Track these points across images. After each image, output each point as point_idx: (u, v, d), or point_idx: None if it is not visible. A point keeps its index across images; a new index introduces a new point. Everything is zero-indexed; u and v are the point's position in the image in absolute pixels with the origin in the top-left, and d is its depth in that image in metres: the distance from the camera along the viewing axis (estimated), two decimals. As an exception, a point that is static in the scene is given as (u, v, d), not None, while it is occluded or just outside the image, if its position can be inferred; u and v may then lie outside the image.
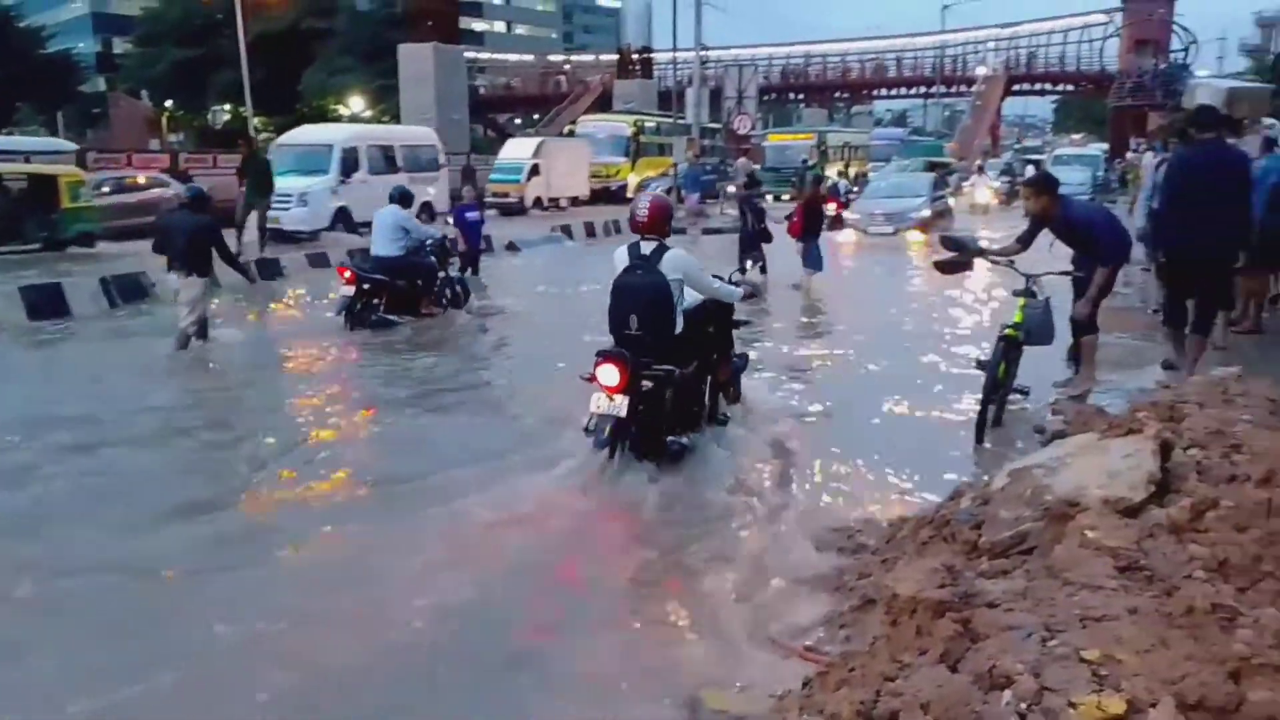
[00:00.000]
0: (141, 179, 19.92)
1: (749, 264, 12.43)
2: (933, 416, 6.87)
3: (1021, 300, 6.33)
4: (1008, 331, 6.26)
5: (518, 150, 29.81)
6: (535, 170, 28.29)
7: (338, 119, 48.55)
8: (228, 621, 3.85)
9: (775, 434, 6.35)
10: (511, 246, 18.98)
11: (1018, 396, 6.58)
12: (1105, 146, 42.87)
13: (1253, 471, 2.59)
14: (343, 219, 18.58)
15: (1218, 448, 3.30)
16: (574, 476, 5.25)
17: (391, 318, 10.06)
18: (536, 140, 30.80)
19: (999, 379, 6.25)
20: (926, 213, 19.46)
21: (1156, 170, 8.94)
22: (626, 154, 34.44)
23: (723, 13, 44.89)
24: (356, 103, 49.39)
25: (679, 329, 5.54)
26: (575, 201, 30.22)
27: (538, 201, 28.12)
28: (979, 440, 6.04)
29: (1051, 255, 6.96)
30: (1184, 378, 6.36)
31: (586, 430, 5.36)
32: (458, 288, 11.06)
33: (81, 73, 58.34)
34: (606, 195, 31.89)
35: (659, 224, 5.61)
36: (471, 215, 13.27)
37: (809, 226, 13.11)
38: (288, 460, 5.99)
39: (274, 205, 16.32)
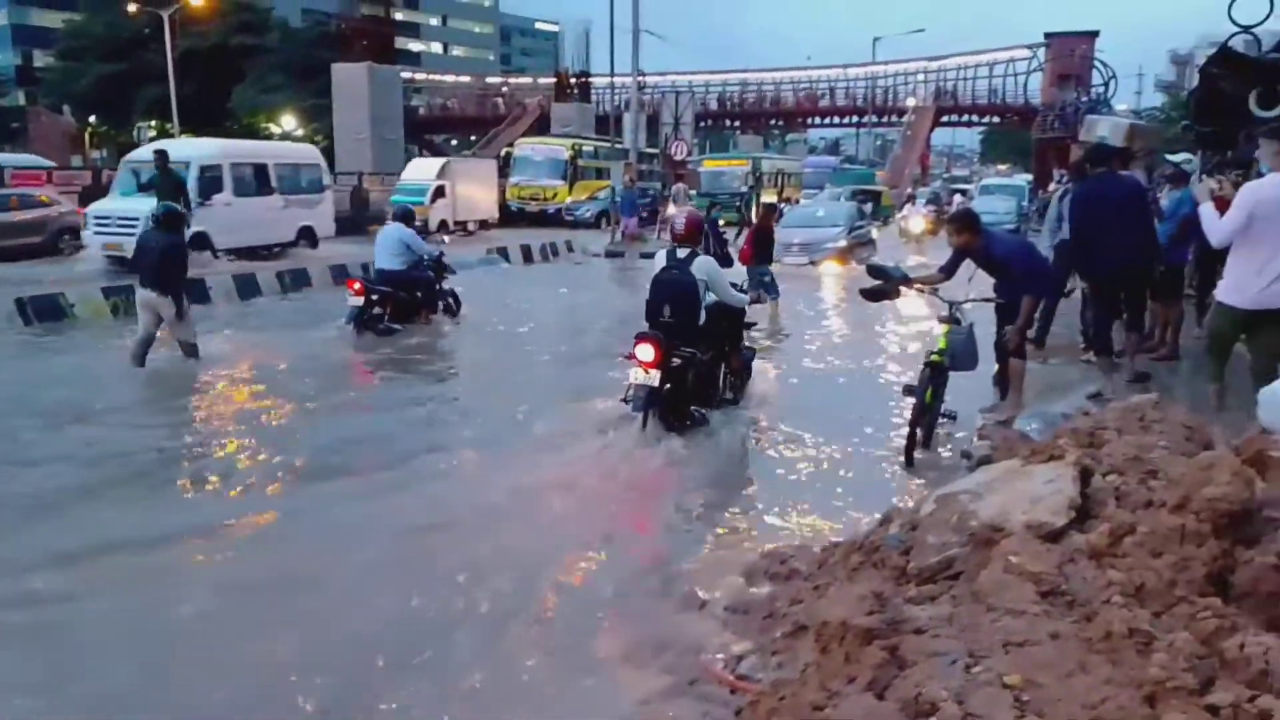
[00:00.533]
0: (15, 199, 18.74)
1: None
2: (863, 441, 6.95)
3: (945, 327, 6.47)
4: (933, 357, 6.40)
5: (421, 171, 28.32)
6: (440, 192, 26.72)
7: (269, 137, 47.74)
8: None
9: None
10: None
11: (945, 421, 6.71)
12: (1030, 177, 44.24)
13: (1167, 497, 2.67)
14: (200, 246, 15.93)
15: (1135, 473, 3.40)
16: (621, 436, 6.55)
17: (395, 325, 11.13)
18: (441, 160, 29.36)
19: (926, 404, 6.37)
20: (843, 243, 19.01)
21: (1060, 202, 9.50)
22: (564, 177, 34.11)
23: (661, 40, 45.38)
24: (289, 121, 48.73)
25: (702, 321, 6.85)
26: (485, 225, 29.08)
27: (443, 225, 26.10)
28: (908, 464, 6.15)
29: (971, 285, 7.14)
30: (1123, 377, 7.31)
31: (624, 399, 6.59)
32: (450, 299, 12.16)
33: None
34: (542, 219, 31.47)
35: (693, 235, 7.05)
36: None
37: (759, 253, 13.15)
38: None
39: (107, 229, 15.43)
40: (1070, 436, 3.90)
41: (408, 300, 11.37)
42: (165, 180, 14.92)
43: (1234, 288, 5.62)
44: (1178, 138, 19.85)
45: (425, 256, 11.56)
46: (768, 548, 4.78)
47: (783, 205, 28.34)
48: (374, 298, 11.02)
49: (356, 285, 11.17)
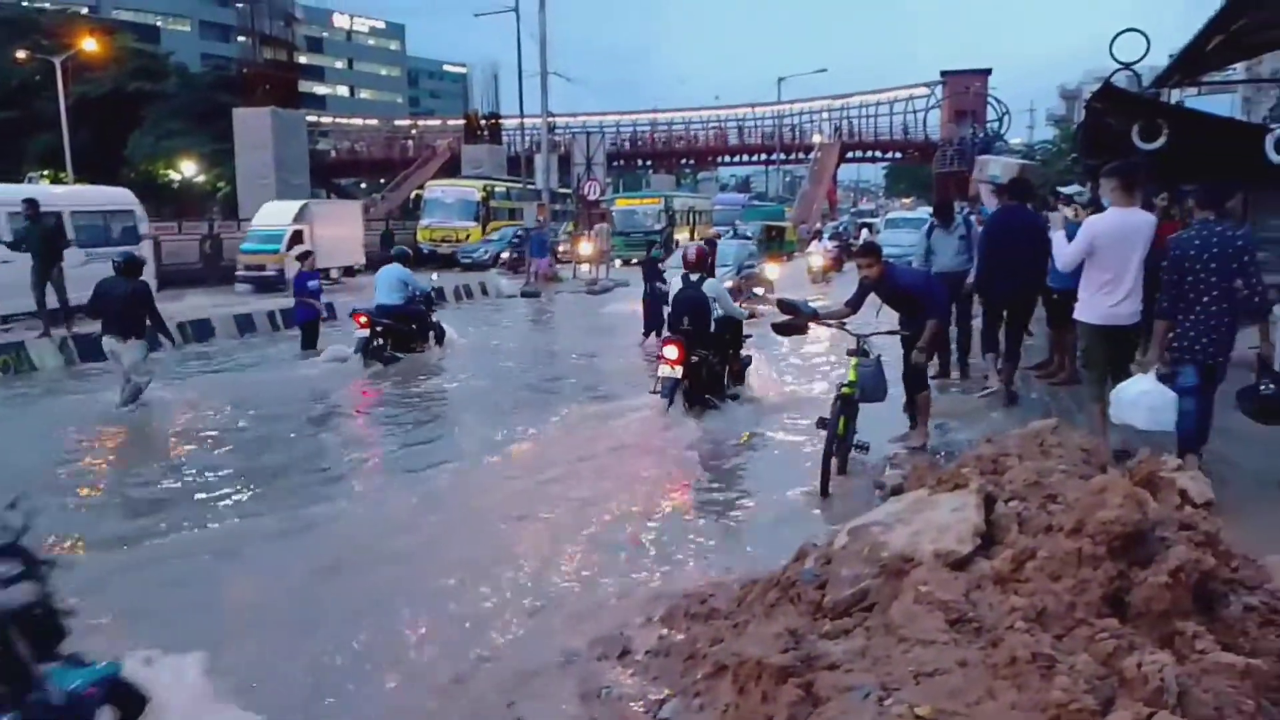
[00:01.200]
0: None
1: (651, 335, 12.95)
2: (778, 475, 7.01)
3: (854, 360, 6.61)
4: (844, 390, 6.52)
5: (274, 215, 25.40)
6: (298, 237, 23.56)
7: (168, 184, 46.49)
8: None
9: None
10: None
11: (859, 452, 6.80)
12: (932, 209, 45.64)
13: (1065, 521, 2.75)
14: None
15: (1036, 498, 3.50)
16: (654, 417, 8.54)
17: (398, 354, 12.36)
18: (298, 203, 26.73)
19: (839, 435, 6.48)
20: (729, 283, 18.63)
21: (929, 236, 10.25)
22: (476, 218, 34.12)
23: (569, 81, 45.78)
24: (189, 167, 47.55)
25: (713, 330, 8.72)
26: (349, 271, 26.43)
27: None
28: (824, 495, 6.21)
29: (879, 319, 7.33)
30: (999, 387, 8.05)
31: (654, 391, 8.63)
32: (438, 330, 13.38)
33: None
34: (451, 261, 30.76)
35: (701, 263, 9.20)
36: (312, 283, 13.02)
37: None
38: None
39: None
40: (974, 464, 4.01)
41: (406, 331, 12.61)
42: (37, 230, 13.64)
43: (1087, 306, 6.25)
44: (1069, 169, 20.83)
45: (418, 293, 12.82)
46: (688, 587, 4.76)
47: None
48: (378, 329, 12.13)
49: (362, 319, 12.16)
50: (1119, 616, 2.48)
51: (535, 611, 4.76)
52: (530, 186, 36.44)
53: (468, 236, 32.91)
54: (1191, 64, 9.29)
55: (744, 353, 9.49)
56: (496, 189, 37.13)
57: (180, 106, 48.15)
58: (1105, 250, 6.04)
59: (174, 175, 47.37)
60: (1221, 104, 15.56)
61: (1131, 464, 3.57)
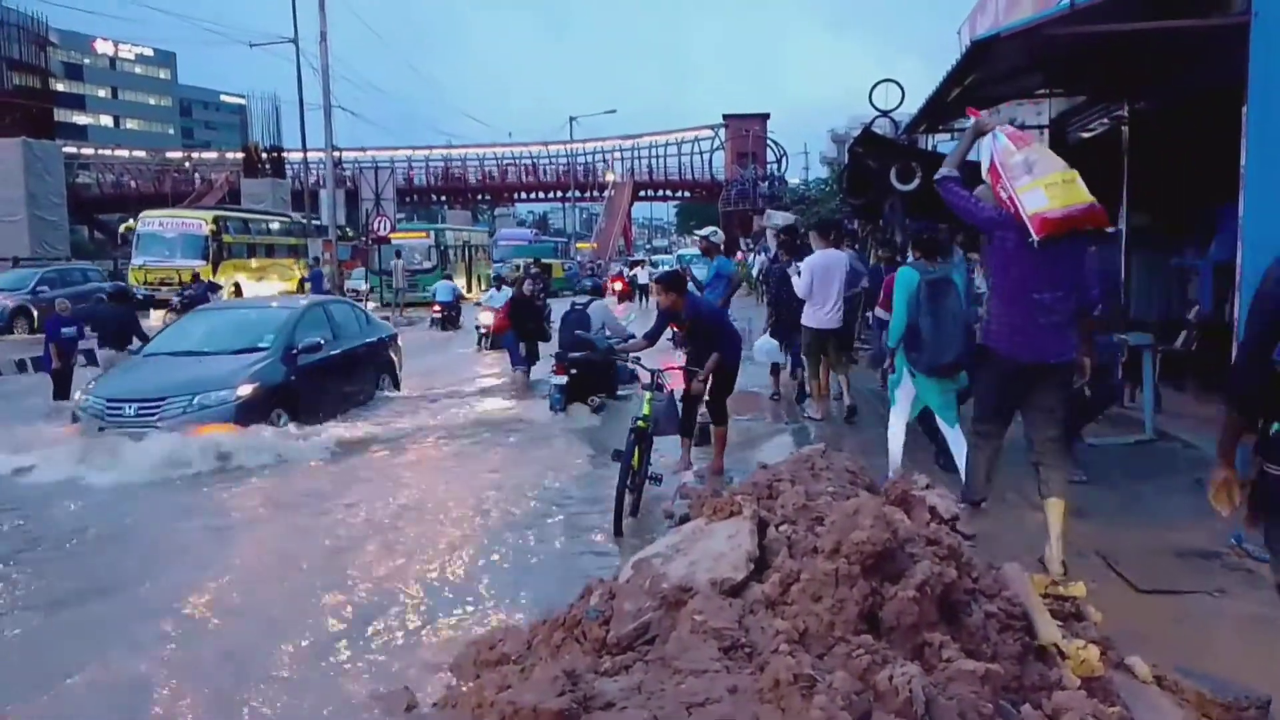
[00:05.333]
0: None
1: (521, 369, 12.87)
2: (576, 511, 7.01)
3: (648, 395, 6.74)
4: (638, 423, 6.61)
5: None
6: None
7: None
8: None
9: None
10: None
11: (652, 483, 6.89)
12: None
13: (826, 543, 2.87)
14: None
15: (805, 522, 3.65)
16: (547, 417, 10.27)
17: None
18: None
19: (634, 468, 6.55)
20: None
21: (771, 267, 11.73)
22: (204, 255, 29.12)
23: (355, 116, 44.52)
24: (-76, 201, 42.60)
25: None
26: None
27: None
28: (618, 532, 6.24)
29: (675, 356, 7.54)
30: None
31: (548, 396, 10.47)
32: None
33: None
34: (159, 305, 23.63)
35: (598, 291, 12.23)
36: (67, 330, 11.91)
37: (516, 323, 12.92)
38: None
39: None
40: (750, 490, 4.14)
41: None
42: None
43: (811, 317, 9.05)
44: (838, 209, 22.28)
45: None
46: (476, 633, 4.64)
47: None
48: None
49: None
50: (874, 632, 2.61)
51: (317, 663, 4.50)
52: (302, 220, 34.97)
53: (193, 278, 26.10)
54: (936, 113, 10.15)
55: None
56: (231, 221, 32.08)
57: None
58: (820, 281, 8.88)
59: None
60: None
61: (888, 484, 3.80)
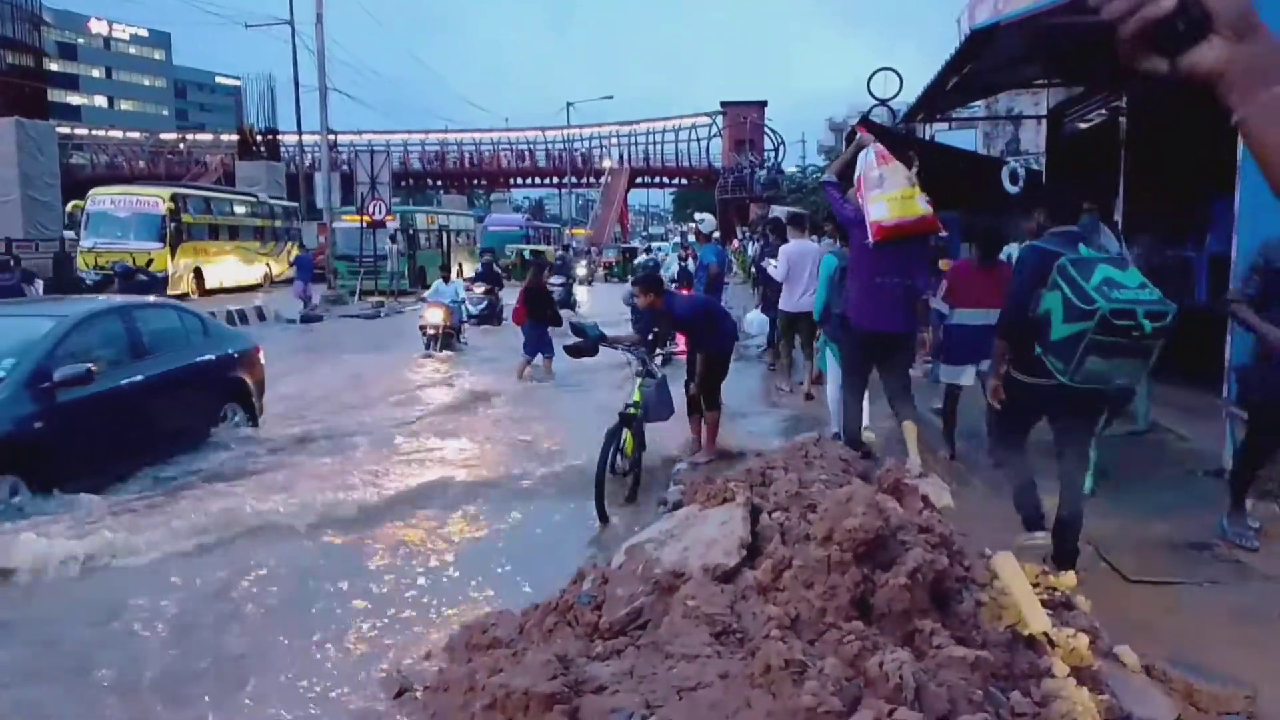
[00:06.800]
0: None
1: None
2: (563, 497, 7.01)
3: (640, 380, 6.74)
4: (630, 410, 6.61)
5: None
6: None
7: (-110, 199, 41.20)
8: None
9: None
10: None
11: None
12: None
13: (819, 530, 2.88)
14: None
15: (797, 509, 3.66)
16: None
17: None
18: None
19: (627, 454, 6.57)
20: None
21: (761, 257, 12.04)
22: (160, 238, 26.33)
23: (351, 99, 44.30)
24: (-85, 180, 42.38)
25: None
26: None
27: None
28: (601, 518, 6.23)
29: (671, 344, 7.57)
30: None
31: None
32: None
33: None
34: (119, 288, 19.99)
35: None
36: None
37: (533, 313, 12.80)
38: None
39: None
40: (743, 477, 4.16)
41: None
42: None
43: (784, 302, 9.97)
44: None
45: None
46: (469, 618, 4.65)
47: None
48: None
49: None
50: (865, 619, 2.62)
51: (314, 645, 4.51)
52: (271, 202, 33.79)
53: (149, 262, 24.37)
54: (934, 102, 10.13)
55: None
56: (191, 200, 29.11)
57: (-98, 113, 42.91)
58: (795, 267, 9.71)
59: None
60: (968, 138, 17.08)
61: (880, 472, 3.82)
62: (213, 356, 8.47)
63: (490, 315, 18.65)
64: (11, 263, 18.11)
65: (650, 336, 7.52)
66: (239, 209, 32.25)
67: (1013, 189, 9.44)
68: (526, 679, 2.56)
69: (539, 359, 12.61)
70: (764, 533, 3.49)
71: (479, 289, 18.85)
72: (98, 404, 6.79)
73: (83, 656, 4.39)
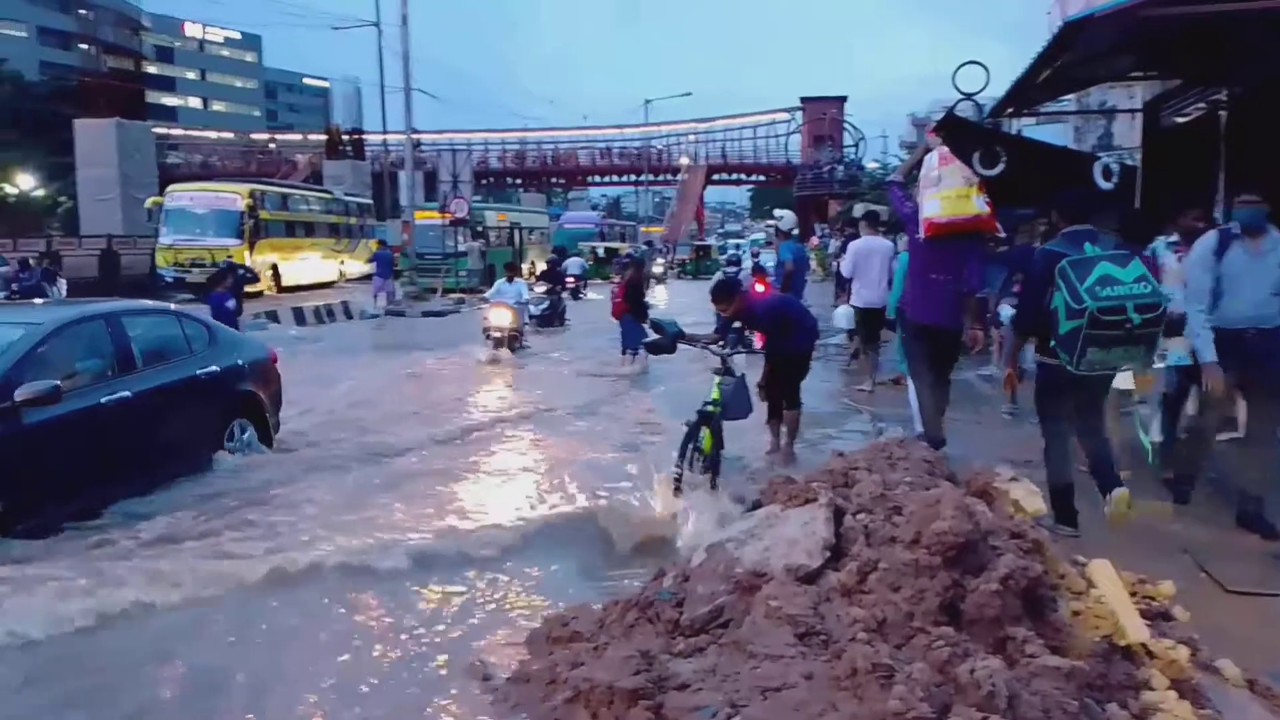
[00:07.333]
0: None
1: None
2: (643, 489, 7.01)
3: (718, 378, 6.72)
4: (708, 408, 6.59)
5: None
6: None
7: (2, 199, 43.50)
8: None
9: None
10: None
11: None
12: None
13: (905, 533, 2.84)
14: None
15: (882, 511, 3.61)
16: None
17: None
18: None
19: (705, 452, 6.55)
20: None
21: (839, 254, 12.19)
22: (238, 234, 25.97)
23: (434, 98, 45.04)
24: (26, 180, 44.64)
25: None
26: None
27: None
28: (680, 517, 6.21)
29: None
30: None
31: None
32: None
33: None
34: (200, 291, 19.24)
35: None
36: (230, 304, 12.20)
37: (634, 308, 12.86)
38: None
39: None
40: (825, 478, 4.11)
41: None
42: None
43: (857, 297, 10.25)
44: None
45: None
46: (549, 612, 4.70)
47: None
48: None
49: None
50: (954, 624, 2.57)
51: (398, 632, 4.61)
52: (350, 196, 34.08)
53: (227, 259, 22.42)
54: (1024, 96, 9.87)
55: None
56: (269, 196, 28.79)
57: (14, 117, 45.26)
58: (864, 263, 10.00)
59: (9, 189, 44.35)
60: (1057, 133, 16.66)
61: (969, 474, 3.74)
62: (217, 368, 7.47)
63: (551, 316, 18.06)
64: (31, 261, 18.10)
65: (730, 334, 7.50)
66: (314, 205, 32.11)
67: (1106, 185, 9.15)
68: (610, 673, 2.58)
69: (640, 353, 12.25)
70: (847, 534, 3.45)
71: (540, 288, 18.43)
72: (71, 425, 5.82)
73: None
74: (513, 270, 16.16)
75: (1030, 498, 3.46)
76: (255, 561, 5.26)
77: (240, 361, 7.85)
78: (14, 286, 14.88)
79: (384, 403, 10.53)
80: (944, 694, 2.27)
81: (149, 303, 8.71)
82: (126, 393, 6.36)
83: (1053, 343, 4.75)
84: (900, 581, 2.65)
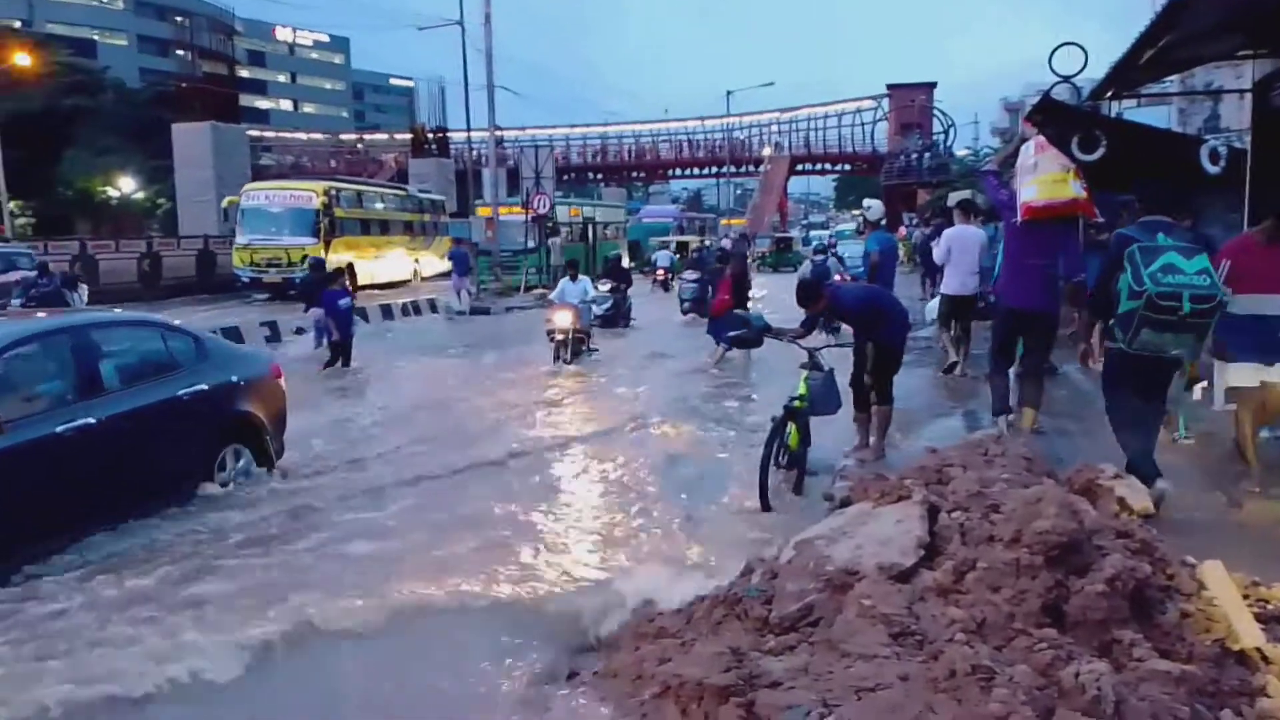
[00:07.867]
0: None
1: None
2: (729, 488, 6.98)
3: (805, 373, 6.63)
4: (795, 403, 6.51)
5: None
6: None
7: (106, 201, 45.43)
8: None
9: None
10: (300, 330, 16.42)
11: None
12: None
13: (1005, 532, 2.76)
14: None
15: (978, 509, 3.51)
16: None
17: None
18: None
19: (792, 448, 6.47)
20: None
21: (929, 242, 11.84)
22: (315, 233, 25.23)
23: (516, 95, 45.55)
24: (127, 184, 46.67)
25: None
26: None
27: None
28: (764, 507, 6.17)
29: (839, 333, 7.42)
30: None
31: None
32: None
33: None
34: (280, 291, 23.00)
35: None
36: (344, 302, 12.63)
37: (738, 302, 12.90)
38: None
39: None
40: (918, 475, 4.02)
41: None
42: None
43: (948, 285, 10.08)
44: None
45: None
46: (634, 605, 4.71)
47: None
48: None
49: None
50: (1057, 626, 2.49)
51: (474, 631, 4.68)
52: (423, 194, 34.19)
53: (303, 258, 23.08)
54: (1125, 78, 9.50)
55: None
56: (344, 193, 28.25)
57: (117, 122, 47.31)
58: (959, 251, 9.78)
59: (111, 192, 46.41)
60: (1159, 115, 16.00)
61: (1070, 472, 3.61)
62: (205, 386, 6.58)
63: (615, 316, 17.33)
64: (50, 265, 16.89)
65: (818, 328, 7.38)
66: (389, 202, 31.91)
67: (1213, 169, 8.76)
68: (700, 670, 2.57)
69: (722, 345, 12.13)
70: (942, 533, 3.37)
71: (604, 287, 17.55)
72: (16, 460, 5.08)
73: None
74: (574, 268, 15.19)
75: (1136, 495, 3.32)
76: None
77: (235, 378, 6.98)
78: (32, 292, 14.12)
79: (419, 419, 9.69)
80: (1047, 698, 2.20)
81: (128, 313, 8.09)
82: (90, 419, 5.56)
83: (1111, 321, 5.02)
84: (1000, 581, 2.57)
